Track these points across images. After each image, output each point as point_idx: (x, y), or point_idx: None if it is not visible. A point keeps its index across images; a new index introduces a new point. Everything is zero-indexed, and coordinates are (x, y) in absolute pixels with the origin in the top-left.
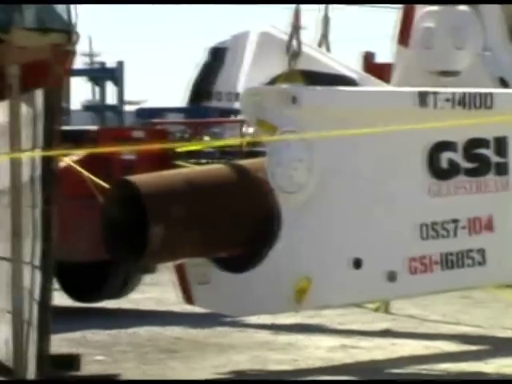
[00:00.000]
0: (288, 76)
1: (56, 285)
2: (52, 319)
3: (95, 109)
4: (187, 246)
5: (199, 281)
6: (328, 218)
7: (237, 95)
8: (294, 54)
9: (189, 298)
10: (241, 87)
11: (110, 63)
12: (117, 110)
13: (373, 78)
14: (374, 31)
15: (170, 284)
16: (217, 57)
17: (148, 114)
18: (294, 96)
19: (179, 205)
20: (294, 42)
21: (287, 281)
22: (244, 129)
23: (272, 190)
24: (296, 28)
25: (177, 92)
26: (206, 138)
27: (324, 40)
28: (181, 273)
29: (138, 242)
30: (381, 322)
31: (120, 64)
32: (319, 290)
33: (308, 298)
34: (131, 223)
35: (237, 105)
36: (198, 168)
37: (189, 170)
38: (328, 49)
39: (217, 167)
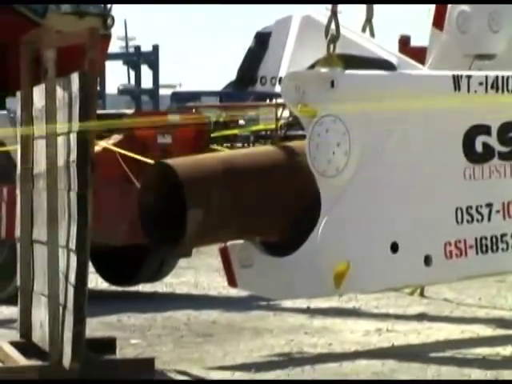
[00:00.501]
0: (327, 60)
1: (92, 268)
2: (87, 303)
3: (130, 93)
4: (226, 231)
5: (242, 264)
6: (366, 202)
7: (280, 80)
8: (333, 38)
9: (232, 281)
10: (284, 71)
11: (146, 47)
12: (152, 93)
13: (412, 62)
14: (411, 14)
15: (205, 268)
16: (261, 42)
17: (183, 98)
18: (333, 80)
19: (218, 188)
20: (333, 26)
21: (326, 265)
22: (279, 112)
23: (312, 173)
24: (334, 12)
25: (211, 76)
26: (241, 122)
27: (368, 24)
28: (225, 256)
29: (177, 227)
30: (416, 306)
31: (155, 48)
32: (358, 274)
33: (346, 282)
34: (169, 207)
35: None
36: (237, 151)
37: (228, 152)
38: (372, 33)
39: (257, 150)
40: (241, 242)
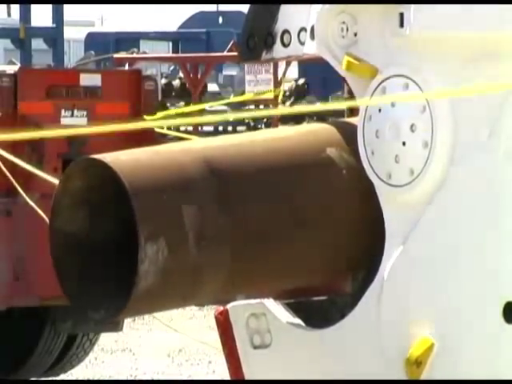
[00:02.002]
0: None
1: None
2: None
3: (11, 35)
4: (214, 283)
5: (254, 342)
6: (463, 233)
7: (314, 31)
8: None
9: (235, 369)
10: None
11: None
12: (52, 36)
13: None
14: None
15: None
16: None
17: (106, 44)
18: (402, 13)
19: (199, 207)
20: None
21: (393, 342)
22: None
23: (367, 180)
24: None
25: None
26: (213, 87)
27: None
28: (224, 327)
29: (119, 274)
30: None
31: None
32: (448, 359)
33: (429, 370)
34: (105, 238)
35: None
36: (225, 138)
37: (210, 141)
38: None
39: (266, 135)
40: (251, 302)
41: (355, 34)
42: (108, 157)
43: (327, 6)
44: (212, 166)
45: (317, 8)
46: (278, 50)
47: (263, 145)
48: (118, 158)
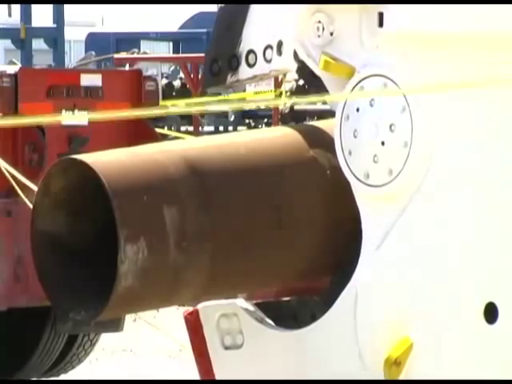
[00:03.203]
0: None
1: None
2: None
3: (12, 35)
4: (191, 285)
5: (225, 342)
6: (442, 234)
7: (281, 47)
8: None
9: (205, 370)
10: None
11: None
12: (53, 36)
13: None
14: None
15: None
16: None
17: (106, 44)
18: (382, 13)
19: (180, 207)
20: None
21: (369, 343)
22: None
23: (343, 180)
24: None
25: (154, 8)
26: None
27: None
28: (193, 327)
29: (101, 274)
30: None
31: None
32: (425, 360)
33: (407, 371)
34: (86, 239)
35: None
36: (212, 138)
37: (195, 142)
38: None
39: (253, 136)
40: (222, 303)
41: (331, 34)
42: (89, 157)
43: (303, 5)
44: (194, 167)
45: (284, 21)
46: (244, 71)
47: (246, 145)
48: (98, 159)
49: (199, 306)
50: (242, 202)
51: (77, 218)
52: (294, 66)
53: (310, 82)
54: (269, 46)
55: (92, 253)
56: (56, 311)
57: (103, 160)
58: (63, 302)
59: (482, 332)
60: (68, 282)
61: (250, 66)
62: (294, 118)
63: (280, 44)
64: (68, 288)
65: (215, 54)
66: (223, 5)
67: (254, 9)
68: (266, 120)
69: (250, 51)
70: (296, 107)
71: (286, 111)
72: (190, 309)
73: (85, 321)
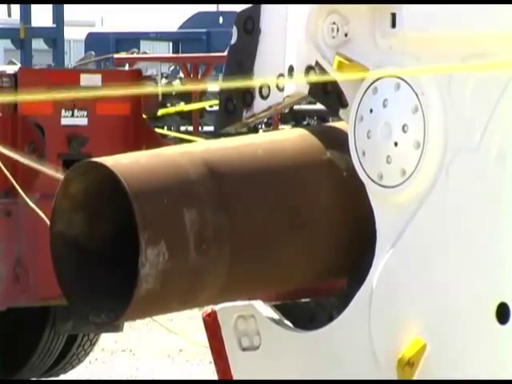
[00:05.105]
0: None
1: None
2: None
3: (12, 35)
4: (211, 287)
5: (243, 344)
6: (455, 234)
7: (292, 72)
8: None
9: (224, 371)
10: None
11: None
12: (52, 36)
13: None
14: None
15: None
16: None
17: (106, 44)
18: (394, 13)
19: (200, 210)
20: None
21: (383, 344)
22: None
23: (357, 182)
24: None
25: (155, 8)
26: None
27: None
28: (212, 329)
29: (121, 276)
30: None
31: None
32: (438, 360)
33: (420, 372)
34: (106, 241)
35: None
36: (227, 141)
37: (210, 144)
38: None
39: (265, 138)
40: (239, 304)
41: (346, 35)
42: (109, 160)
43: (317, 6)
44: (213, 169)
45: (293, 43)
46: (258, 105)
47: (264, 147)
48: (118, 162)
49: (217, 308)
50: (260, 204)
51: (96, 220)
52: (306, 88)
53: (323, 102)
54: (280, 75)
55: (111, 256)
56: (74, 313)
57: (123, 162)
58: (82, 304)
59: (494, 332)
60: (86, 284)
61: (264, 98)
62: (294, 117)
63: (291, 69)
64: (87, 290)
65: (229, 93)
66: (231, 42)
67: (262, 41)
68: (265, 120)
69: (263, 84)
70: (296, 107)
71: (286, 111)
72: (209, 310)
73: (105, 324)
